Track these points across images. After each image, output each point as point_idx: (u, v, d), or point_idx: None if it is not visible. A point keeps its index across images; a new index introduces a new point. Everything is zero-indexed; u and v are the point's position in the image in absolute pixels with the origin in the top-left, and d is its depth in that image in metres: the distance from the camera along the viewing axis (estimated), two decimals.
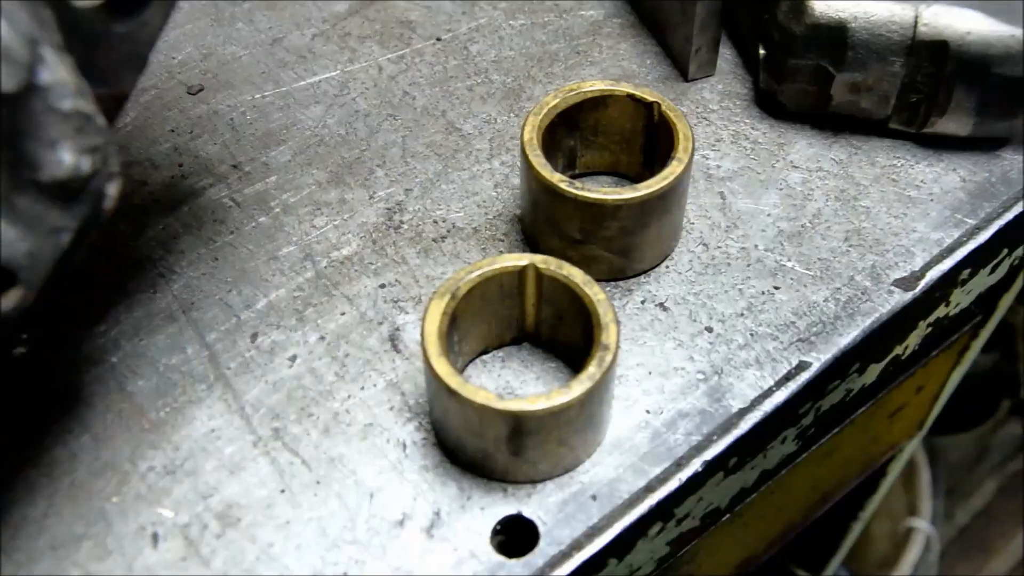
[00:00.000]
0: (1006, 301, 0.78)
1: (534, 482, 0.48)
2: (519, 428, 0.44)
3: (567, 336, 0.50)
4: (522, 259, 0.48)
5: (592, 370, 0.44)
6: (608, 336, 0.45)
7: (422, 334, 0.45)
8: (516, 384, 0.51)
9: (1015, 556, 2.07)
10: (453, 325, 0.47)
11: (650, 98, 0.54)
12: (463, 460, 0.48)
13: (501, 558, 0.46)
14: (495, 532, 0.47)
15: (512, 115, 0.62)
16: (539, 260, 0.47)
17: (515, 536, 0.47)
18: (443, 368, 0.44)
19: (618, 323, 0.46)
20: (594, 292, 0.47)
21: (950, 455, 2.07)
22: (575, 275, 0.47)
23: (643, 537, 0.49)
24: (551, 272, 0.47)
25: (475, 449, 0.46)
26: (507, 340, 0.52)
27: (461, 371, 0.51)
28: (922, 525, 1.82)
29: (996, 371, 2.07)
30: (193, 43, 0.66)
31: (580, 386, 0.44)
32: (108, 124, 0.41)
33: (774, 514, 0.81)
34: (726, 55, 0.66)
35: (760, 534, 0.84)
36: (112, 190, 0.40)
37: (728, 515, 0.61)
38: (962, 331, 0.75)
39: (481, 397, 0.43)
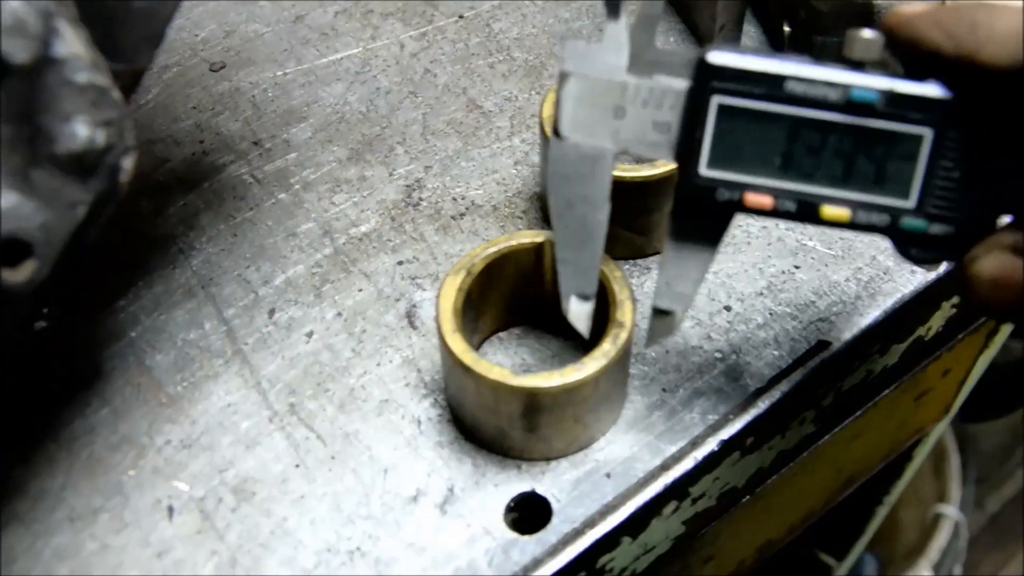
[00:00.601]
0: None
1: (548, 459, 0.47)
2: (533, 405, 0.44)
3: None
4: (539, 236, 0.47)
5: (607, 347, 0.44)
6: (623, 313, 0.45)
7: (437, 311, 0.45)
8: (532, 361, 0.51)
9: None
10: (469, 302, 0.46)
11: None
12: (478, 437, 0.48)
13: (514, 535, 0.46)
14: (509, 509, 0.47)
15: (533, 92, 0.62)
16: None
17: (529, 513, 0.47)
18: (458, 345, 0.44)
19: (634, 301, 0.45)
20: (610, 269, 0.46)
21: (981, 443, 2.05)
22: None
23: (657, 516, 0.49)
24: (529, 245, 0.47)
25: (490, 426, 0.46)
26: (524, 318, 0.52)
27: (477, 348, 0.51)
28: (951, 512, 1.81)
29: None
30: (216, 20, 0.66)
31: (594, 363, 0.44)
32: (124, 99, 0.41)
33: (796, 497, 0.81)
34: (751, 33, 0.65)
35: (782, 517, 0.83)
36: (128, 164, 0.40)
37: (748, 496, 0.61)
38: None
39: (495, 374, 0.43)
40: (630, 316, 0.45)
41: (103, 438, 0.49)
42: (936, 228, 0.40)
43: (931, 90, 0.39)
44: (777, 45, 0.63)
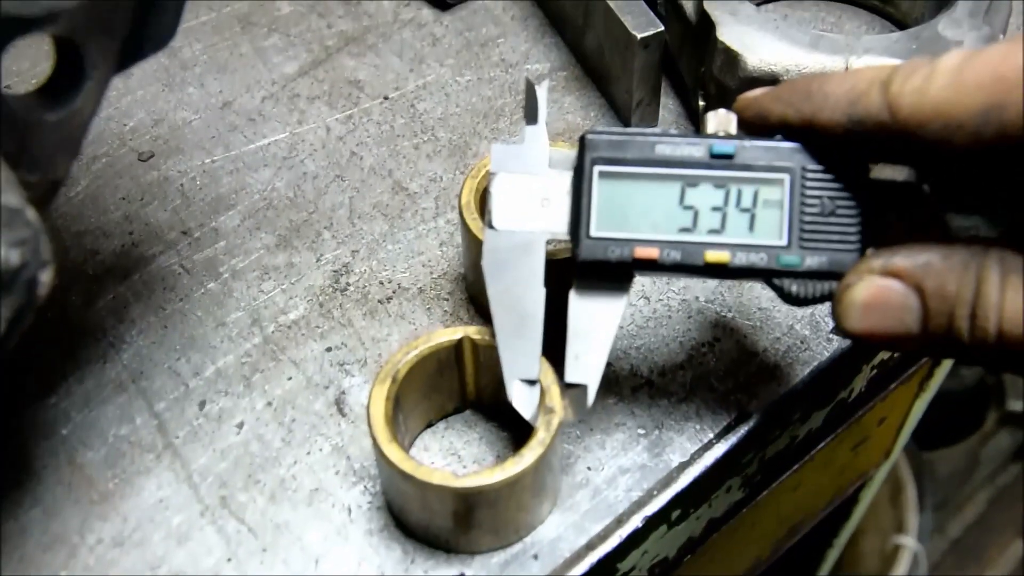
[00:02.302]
0: None
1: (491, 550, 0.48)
2: (477, 501, 0.44)
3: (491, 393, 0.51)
4: (456, 332, 0.48)
5: (542, 435, 0.45)
6: (552, 398, 0.46)
7: (369, 423, 0.45)
8: (460, 446, 0.52)
9: (1009, 566, 2.07)
10: (397, 406, 0.47)
11: None
12: (417, 536, 0.49)
13: None
14: None
15: (458, 172, 0.63)
16: (473, 331, 0.48)
17: None
18: (396, 454, 0.44)
19: (560, 384, 0.46)
20: None
21: (939, 469, 2.07)
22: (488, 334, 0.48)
23: None
24: (487, 342, 0.48)
25: (434, 527, 0.47)
26: (450, 410, 0.53)
27: (409, 447, 0.51)
28: (909, 542, 1.83)
29: (981, 384, 2.08)
30: (145, 109, 0.67)
31: (532, 453, 0.44)
32: (41, 211, 0.42)
33: (740, 550, 0.82)
34: (669, 105, 0.67)
35: (727, 569, 0.84)
36: (45, 277, 0.41)
37: (688, 555, 0.62)
38: (918, 364, 0.76)
39: (438, 478, 0.43)
40: (559, 400, 0.46)
41: (34, 539, 0.49)
42: (811, 261, 0.43)
43: (779, 143, 0.43)
44: (692, 118, 0.65)
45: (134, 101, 0.68)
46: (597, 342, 0.45)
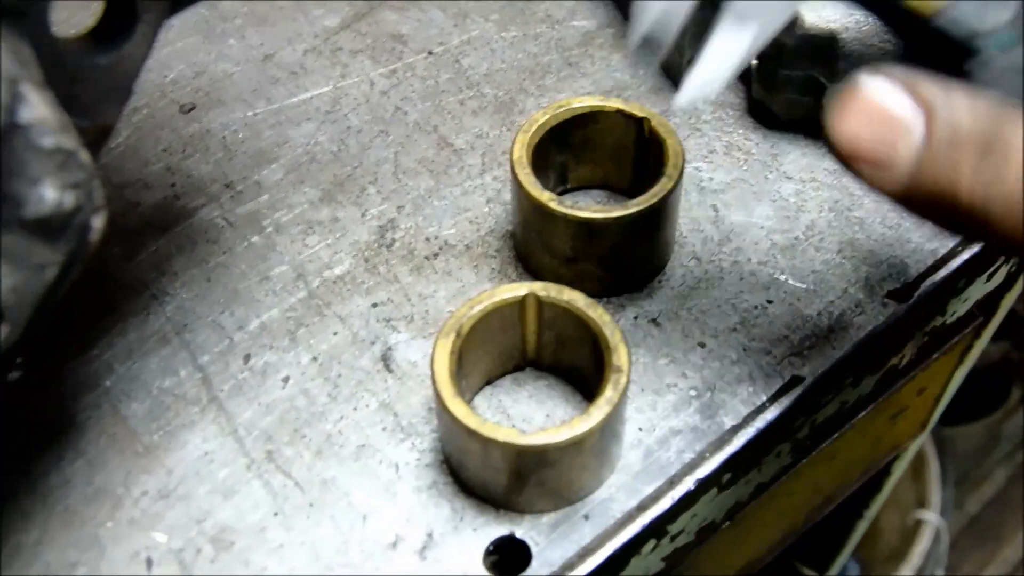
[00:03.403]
0: (1008, 301, 0.78)
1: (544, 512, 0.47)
2: (540, 460, 0.44)
3: (571, 359, 0.50)
4: (520, 288, 0.47)
5: (609, 393, 0.44)
6: (620, 358, 0.45)
7: (433, 378, 0.44)
8: (509, 404, 0.51)
9: None
10: (459, 362, 0.46)
11: (640, 113, 0.53)
12: (480, 495, 0.48)
13: None
14: (488, 553, 0.47)
15: (504, 129, 0.62)
16: (539, 287, 0.47)
17: (508, 557, 0.47)
18: (460, 409, 0.43)
19: (627, 344, 0.45)
20: (599, 315, 0.46)
21: (960, 445, 2.06)
22: (577, 299, 0.47)
23: (636, 555, 0.49)
24: (552, 299, 0.47)
25: (495, 485, 0.46)
26: (510, 368, 0.52)
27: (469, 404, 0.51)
28: (931, 517, 1.82)
29: (1006, 360, 2.06)
30: (185, 61, 0.66)
31: (599, 411, 0.43)
32: (92, 157, 0.41)
33: (775, 519, 0.81)
34: None
35: (761, 539, 0.83)
36: (97, 223, 0.40)
37: (727, 523, 0.61)
38: (963, 333, 0.75)
39: (502, 435, 0.43)
40: (627, 360, 0.45)
41: (78, 490, 0.49)
42: None
43: None
44: (743, 78, 0.63)
45: (174, 52, 0.67)
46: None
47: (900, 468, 1.07)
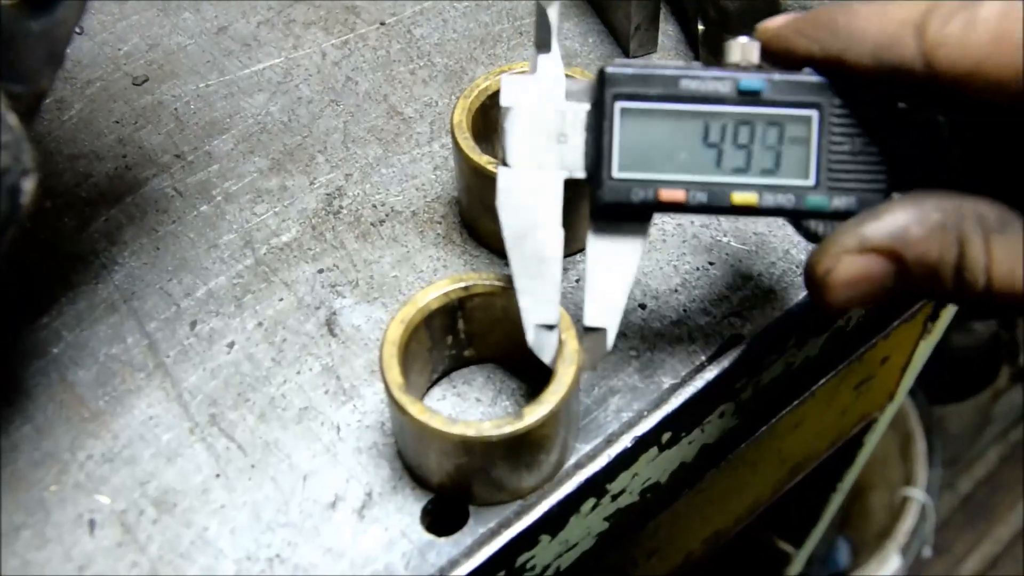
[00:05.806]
0: None
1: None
2: (525, 441, 0.44)
3: (497, 343, 0.50)
4: (457, 282, 0.47)
5: (560, 382, 0.43)
6: (569, 346, 0.44)
7: (383, 375, 0.44)
8: (464, 391, 0.52)
9: (1018, 524, 2.07)
10: (406, 361, 0.46)
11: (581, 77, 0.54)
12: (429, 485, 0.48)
13: (431, 537, 0.46)
14: (425, 512, 0.47)
15: (453, 97, 0.63)
16: (479, 279, 0.47)
17: (445, 515, 0.47)
18: (415, 407, 0.43)
19: (575, 325, 0.45)
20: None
21: (950, 425, 2.07)
22: (498, 280, 0.47)
23: (576, 513, 0.50)
24: (488, 288, 0.47)
25: (451, 483, 0.47)
26: (449, 368, 0.52)
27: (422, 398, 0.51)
28: (917, 494, 1.83)
29: (995, 339, 2.06)
30: (139, 34, 0.67)
31: (553, 398, 0.43)
32: (25, 121, 0.42)
33: (740, 488, 0.82)
34: (669, 32, 0.66)
35: (727, 508, 0.84)
36: (27, 185, 0.41)
37: (687, 490, 0.62)
38: (920, 304, 0.75)
39: (459, 429, 0.43)
40: (576, 348, 0.45)
41: (25, 455, 0.49)
42: (838, 202, 0.42)
43: (808, 77, 0.41)
44: (692, 44, 0.64)
45: (129, 26, 0.67)
46: (616, 285, 0.44)
47: (873, 439, 1.07)
